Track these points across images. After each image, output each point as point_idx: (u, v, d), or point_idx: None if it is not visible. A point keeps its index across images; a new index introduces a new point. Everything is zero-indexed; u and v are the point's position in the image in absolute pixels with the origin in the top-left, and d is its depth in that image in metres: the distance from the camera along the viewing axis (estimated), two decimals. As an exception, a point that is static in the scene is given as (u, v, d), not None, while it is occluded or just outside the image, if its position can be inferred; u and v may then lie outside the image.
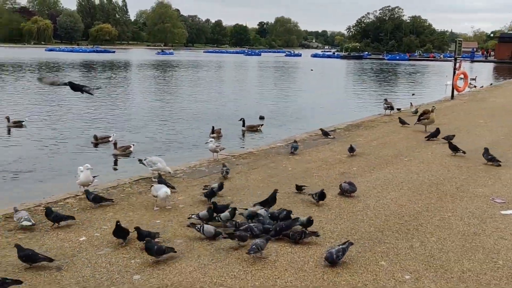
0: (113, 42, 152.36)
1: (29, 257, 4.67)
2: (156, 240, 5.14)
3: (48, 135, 14.58)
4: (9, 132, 14.69)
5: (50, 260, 4.74)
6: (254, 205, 6.29)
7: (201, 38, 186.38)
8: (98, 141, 13.24)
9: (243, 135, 15.34)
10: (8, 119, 15.21)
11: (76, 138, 14.16)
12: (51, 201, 6.90)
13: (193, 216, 5.86)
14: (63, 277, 4.49)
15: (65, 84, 5.83)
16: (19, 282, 4.20)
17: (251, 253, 4.90)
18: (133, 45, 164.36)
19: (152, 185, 6.70)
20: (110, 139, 13.37)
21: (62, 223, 5.80)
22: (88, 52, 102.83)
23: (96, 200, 6.60)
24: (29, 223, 5.71)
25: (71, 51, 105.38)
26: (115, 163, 11.48)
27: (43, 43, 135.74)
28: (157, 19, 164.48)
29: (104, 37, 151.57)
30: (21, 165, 11.01)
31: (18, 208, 6.06)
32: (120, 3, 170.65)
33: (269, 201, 6.39)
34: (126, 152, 12.03)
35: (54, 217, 5.75)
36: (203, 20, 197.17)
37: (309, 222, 5.63)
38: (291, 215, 5.88)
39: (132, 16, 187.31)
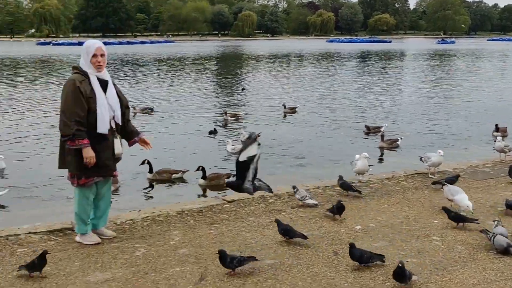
0: (389, 32, 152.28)
1: (287, 232, 5.01)
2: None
3: (319, 121, 15.33)
4: (284, 117, 16.12)
5: (305, 237, 4.98)
6: None
7: (485, 25, 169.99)
8: (370, 131, 13.31)
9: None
10: (284, 105, 16.73)
11: (348, 126, 14.51)
12: (329, 185, 7.19)
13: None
14: (339, 262, 4.58)
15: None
16: (254, 258, 4.41)
17: None
18: (410, 35, 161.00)
19: (445, 184, 6.20)
20: (382, 129, 13.32)
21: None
22: (366, 42, 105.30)
23: (344, 186, 6.65)
24: (314, 202, 6.09)
25: (350, 41, 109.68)
26: (381, 155, 11.32)
27: (325, 34, 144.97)
28: (438, 6, 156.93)
29: (382, 27, 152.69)
30: (297, 148, 11.81)
31: (297, 186, 6.44)
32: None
33: None
34: (393, 145, 11.71)
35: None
36: (490, 5, 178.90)
37: None
38: None
39: (412, 4, 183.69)
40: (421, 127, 14.56)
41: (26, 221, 6.16)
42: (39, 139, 12.56)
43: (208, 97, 21.41)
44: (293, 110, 16.60)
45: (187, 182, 9.15)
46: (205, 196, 8.25)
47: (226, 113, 15.32)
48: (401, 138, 11.97)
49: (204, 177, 8.80)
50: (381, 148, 11.62)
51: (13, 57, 51.23)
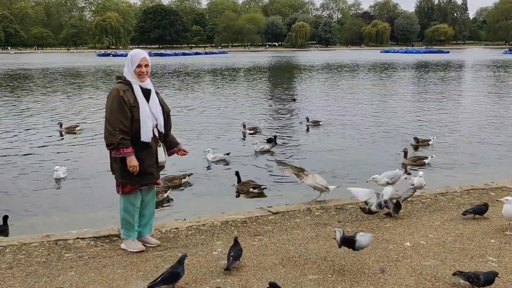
0: (447, 42, 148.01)
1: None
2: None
3: (351, 134, 14.68)
4: (307, 130, 15.52)
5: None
6: None
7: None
8: (418, 144, 12.72)
9: None
10: (307, 119, 16.17)
11: (394, 139, 13.85)
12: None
13: None
14: (386, 281, 4.36)
15: None
16: None
17: None
18: (469, 45, 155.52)
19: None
20: (430, 142, 12.78)
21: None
22: (422, 53, 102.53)
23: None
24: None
25: (405, 52, 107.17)
26: (406, 172, 10.58)
27: (380, 45, 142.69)
28: (499, 15, 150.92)
29: (439, 37, 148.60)
30: (338, 161, 11.36)
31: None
32: (460, 2, 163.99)
33: None
34: (417, 163, 10.82)
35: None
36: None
37: None
38: None
39: (472, 14, 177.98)
40: (472, 143, 13.43)
41: (76, 226, 6.33)
42: (97, 144, 12.97)
43: (249, 107, 21.17)
44: (316, 124, 16.00)
45: (234, 191, 9.13)
46: (246, 198, 8.20)
47: (244, 126, 14.82)
48: (431, 156, 11.04)
49: (238, 181, 9.18)
50: (404, 165, 10.70)
51: (73, 68, 53.60)
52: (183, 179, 9.48)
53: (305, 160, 11.33)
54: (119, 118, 4.66)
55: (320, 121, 16.27)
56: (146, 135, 4.79)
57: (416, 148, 12.65)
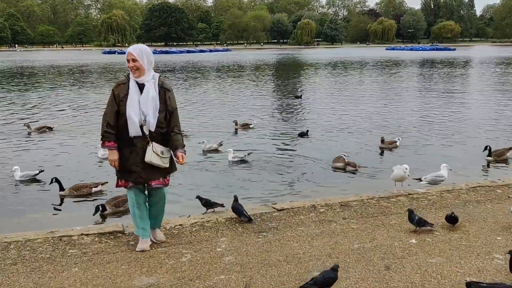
0: (454, 40, 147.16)
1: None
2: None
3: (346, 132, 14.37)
4: (236, 133, 14.58)
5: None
6: None
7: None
8: (384, 146, 12.05)
9: None
10: (235, 122, 15.13)
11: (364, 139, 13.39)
12: (384, 196, 6.92)
13: None
14: (392, 278, 4.33)
15: None
16: None
17: None
18: (476, 42, 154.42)
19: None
20: (397, 144, 12.20)
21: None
22: (428, 50, 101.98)
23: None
24: None
25: (411, 49, 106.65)
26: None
27: (386, 42, 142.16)
28: (506, 12, 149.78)
29: (446, 34, 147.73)
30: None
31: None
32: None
33: None
34: (345, 168, 10.12)
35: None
36: None
37: None
38: None
39: (478, 11, 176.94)
40: (461, 146, 13.00)
41: (81, 223, 6.33)
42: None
43: (250, 104, 21.17)
44: (245, 127, 14.95)
45: (238, 188, 9.10)
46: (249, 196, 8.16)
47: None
48: (345, 155, 10.54)
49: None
50: (335, 169, 10.20)
51: (74, 65, 53.78)
52: (93, 188, 8.68)
53: (293, 156, 11.36)
54: (108, 112, 4.78)
55: (251, 124, 15.21)
56: (133, 130, 4.71)
57: (382, 150, 12.01)
